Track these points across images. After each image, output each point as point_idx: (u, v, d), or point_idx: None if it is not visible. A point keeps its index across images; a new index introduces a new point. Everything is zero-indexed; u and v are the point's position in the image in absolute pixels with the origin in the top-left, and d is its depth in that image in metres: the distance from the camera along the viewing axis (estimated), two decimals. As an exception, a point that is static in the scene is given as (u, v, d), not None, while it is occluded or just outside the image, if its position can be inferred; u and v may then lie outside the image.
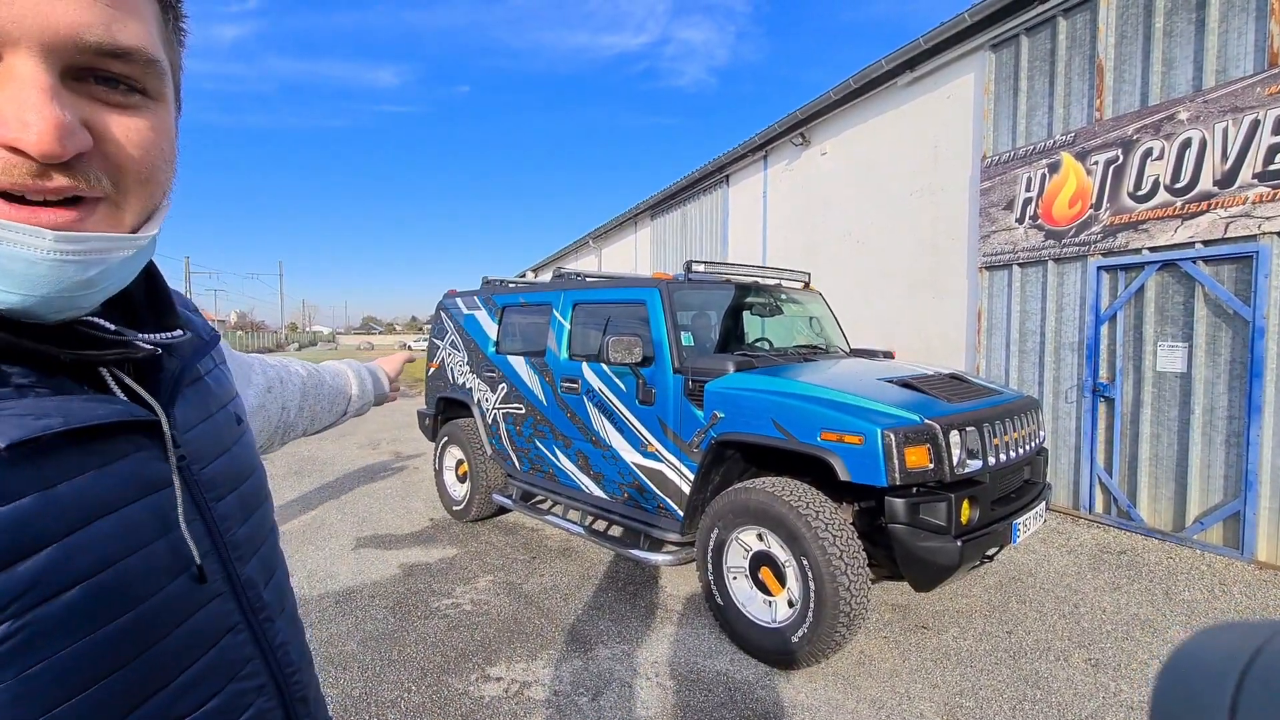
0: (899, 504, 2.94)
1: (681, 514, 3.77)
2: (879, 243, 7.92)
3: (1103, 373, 5.41)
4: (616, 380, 4.14)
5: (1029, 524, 3.36)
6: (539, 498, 5.30)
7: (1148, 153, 4.97)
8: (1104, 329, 5.38)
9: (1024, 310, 6.05)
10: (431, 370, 6.25)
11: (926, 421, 2.99)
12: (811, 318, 5.10)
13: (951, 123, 6.84)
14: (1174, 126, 4.80)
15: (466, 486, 5.54)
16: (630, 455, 4.11)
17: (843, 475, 2.98)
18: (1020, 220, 5.98)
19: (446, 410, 6.06)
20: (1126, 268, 5.22)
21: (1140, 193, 5.04)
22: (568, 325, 4.64)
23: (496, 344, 5.32)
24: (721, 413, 3.55)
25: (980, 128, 6.44)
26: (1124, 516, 5.23)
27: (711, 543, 3.44)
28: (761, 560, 3.29)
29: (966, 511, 3.02)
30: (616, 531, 4.54)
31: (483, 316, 5.54)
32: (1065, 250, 5.59)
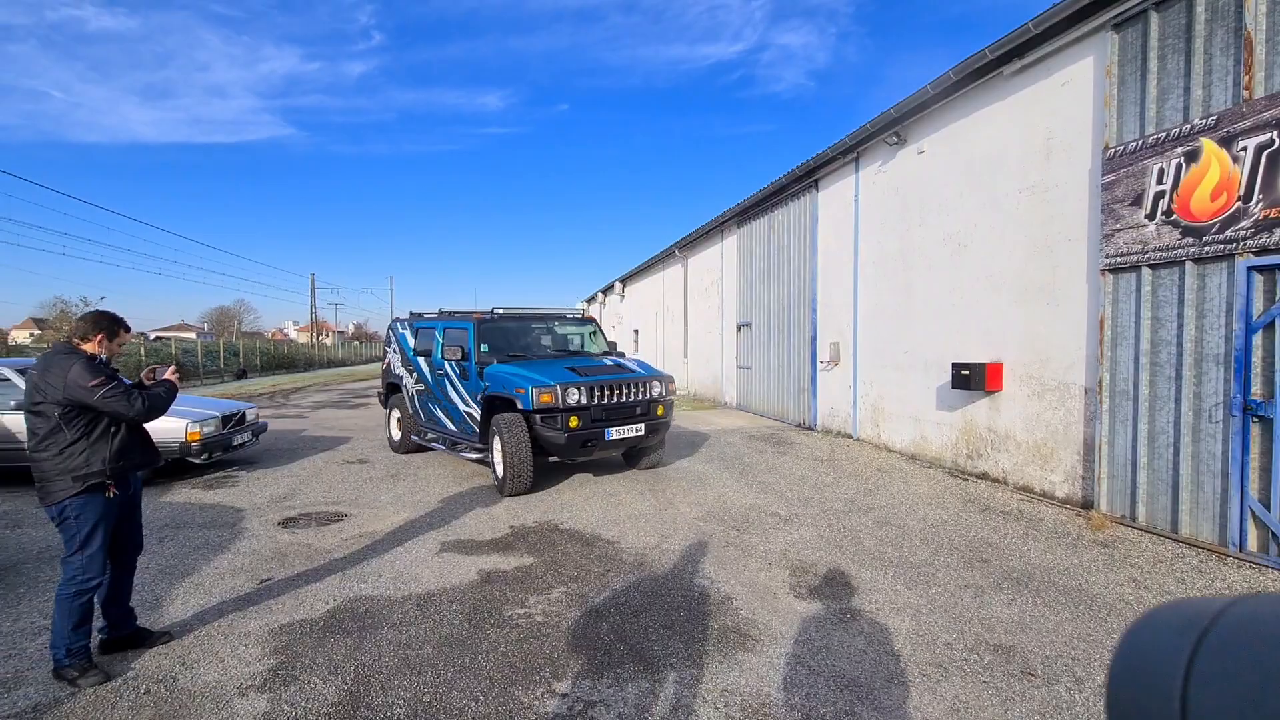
0: (536, 417, 6.59)
1: (479, 433, 7.38)
2: (983, 246, 7.34)
3: (1256, 388, 4.68)
4: (457, 369, 7.85)
5: (620, 431, 6.91)
6: (431, 436, 8.78)
7: (1313, 134, 4.27)
8: (1257, 338, 4.66)
9: (1156, 318, 5.36)
10: (384, 366, 10.25)
11: (554, 384, 6.59)
12: (591, 333, 8.99)
13: (1066, 112, 6.23)
14: (1348, 101, 4.10)
15: (400, 433, 9.51)
16: (462, 406, 7.83)
17: (520, 406, 6.66)
18: (1151, 217, 5.32)
19: (390, 390, 9.93)
20: (1287, 267, 4.49)
21: (1304, 180, 4.33)
22: (441, 340, 8.33)
23: (413, 350, 9.07)
24: (488, 383, 7.21)
25: (1101, 116, 5.81)
26: (1286, 557, 4.48)
27: (490, 443, 7.03)
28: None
29: (574, 422, 6.60)
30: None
31: (408, 334, 9.37)
32: (1207, 249, 4.91)
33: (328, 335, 73.79)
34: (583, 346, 8.66)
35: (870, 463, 8.36)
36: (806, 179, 11.36)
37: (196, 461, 7.59)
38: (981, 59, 6.81)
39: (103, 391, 3.10)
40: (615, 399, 6.93)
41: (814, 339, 11.26)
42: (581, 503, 6.52)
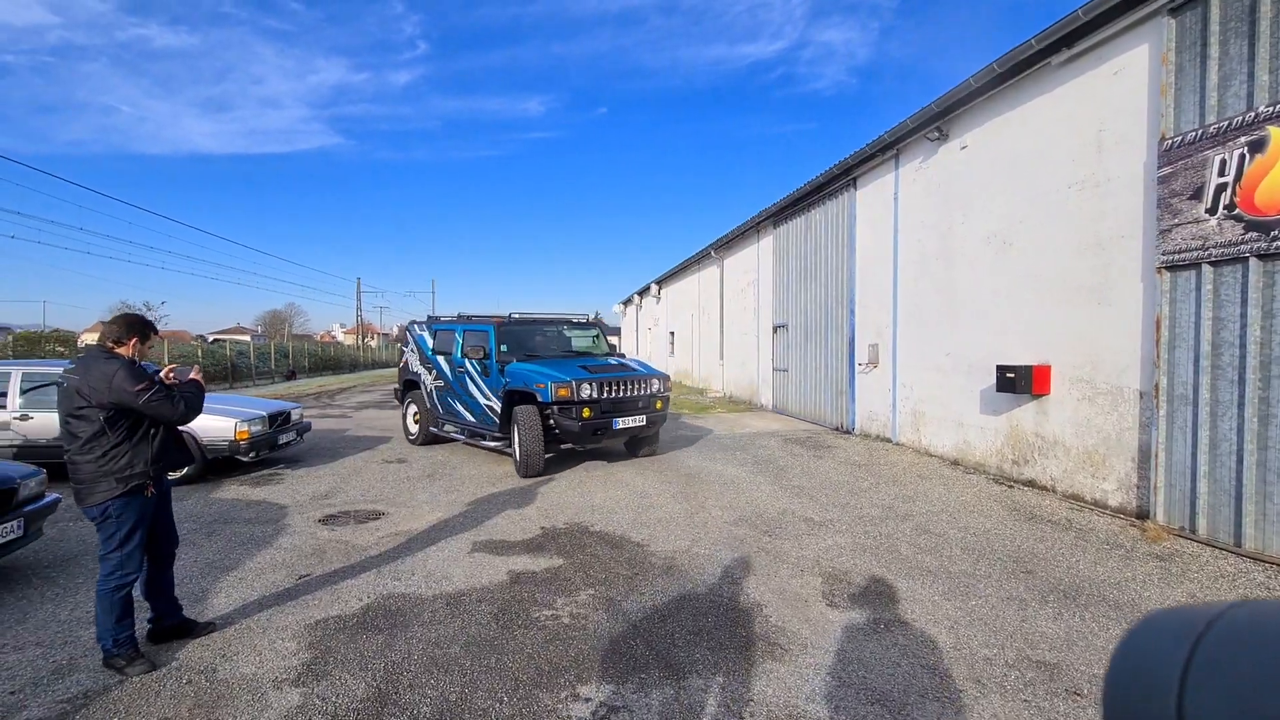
0: (555, 408, 7.56)
1: (499, 423, 8.33)
2: (1029, 244, 7.06)
3: (1331, 394, 4.36)
4: (479, 366, 8.76)
5: (625, 421, 7.96)
6: (450, 428, 9.86)
7: (1395, 119, 3.96)
8: (1333, 340, 4.35)
9: (1218, 318, 5.06)
10: (401, 365, 11.12)
11: (570, 380, 7.52)
12: (595, 335, 10.05)
13: (1118, 103, 5.94)
14: None
15: (417, 425, 10.37)
16: (483, 400, 8.72)
17: (539, 399, 7.57)
18: (1212, 211, 5.02)
19: (407, 387, 10.77)
20: (1365, 264, 4.18)
21: (1384, 169, 4.02)
22: (461, 341, 9.19)
23: (432, 350, 9.95)
24: (509, 379, 8.11)
25: (1156, 106, 5.53)
26: (1366, 575, 4.16)
27: (510, 432, 7.98)
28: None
29: (587, 413, 7.55)
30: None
31: (426, 335, 10.23)
32: (1275, 245, 4.60)
33: (373, 337, 75.89)
34: (589, 347, 9.80)
35: (910, 468, 8.13)
36: (844, 177, 11.14)
37: (244, 459, 7.87)
38: (1027, 50, 6.56)
39: (148, 395, 3.21)
40: (621, 394, 8.08)
41: (852, 340, 11.03)
42: (613, 505, 6.52)
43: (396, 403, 12.08)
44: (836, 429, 11.52)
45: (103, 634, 3.26)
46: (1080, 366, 6.39)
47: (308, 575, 4.67)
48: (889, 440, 9.94)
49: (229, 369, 25.64)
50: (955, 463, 8.28)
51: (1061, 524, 5.70)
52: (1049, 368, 6.74)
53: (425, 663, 3.35)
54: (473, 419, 9.04)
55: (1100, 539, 5.29)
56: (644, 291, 33.14)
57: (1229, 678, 0.38)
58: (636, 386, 8.25)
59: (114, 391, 3.16)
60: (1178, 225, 5.28)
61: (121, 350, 3.36)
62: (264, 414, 8.19)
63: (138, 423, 3.30)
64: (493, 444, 8.74)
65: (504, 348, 8.67)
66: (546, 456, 7.88)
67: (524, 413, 7.72)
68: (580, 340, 9.74)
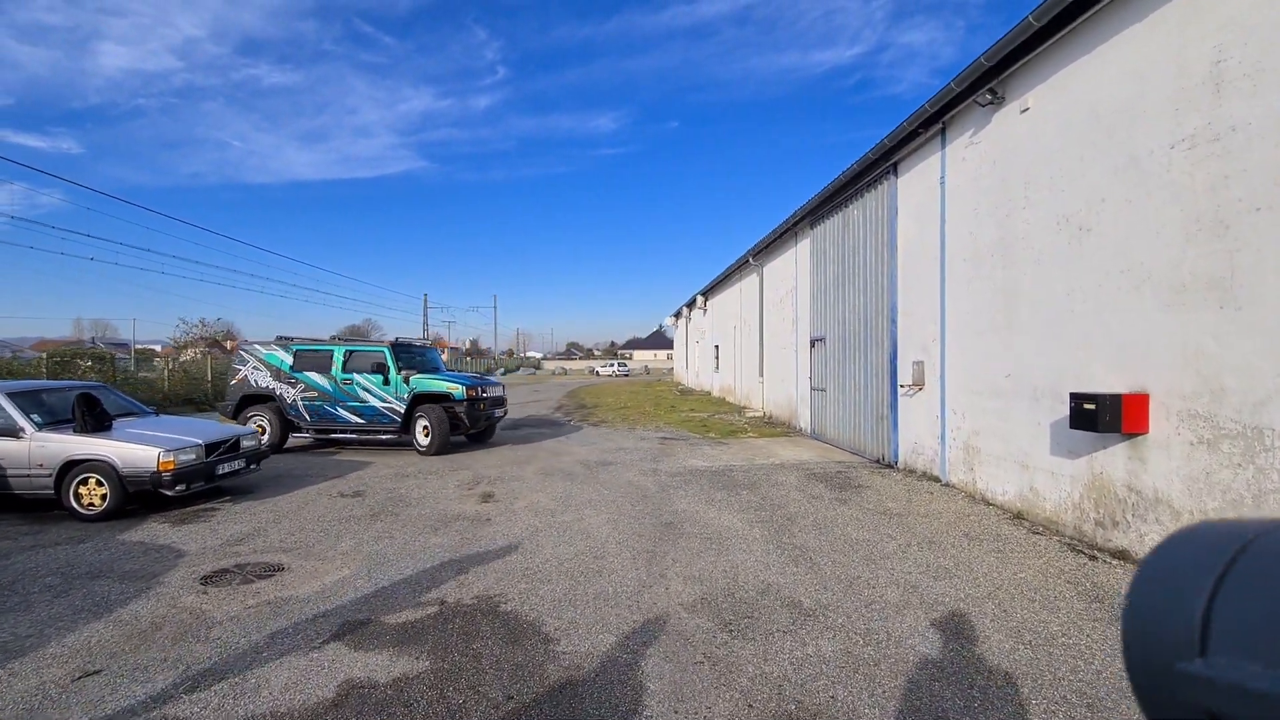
0: (464, 404, 11.31)
1: (400, 422, 11.27)
2: (1115, 227, 5.24)
3: None
4: (374, 378, 11.36)
5: (499, 412, 12.66)
6: (324, 430, 11.65)
7: None
8: None
9: None
10: (234, 382, 11.78)
11: (474, 385, 11.71)
12: (441, 356, 13.80)
13: (1247, 18, 4.14)
14: None
15: (265, 436, 11.15)
16: (380, 404, 11.32)
17: (453, 398, 11.30)
18: None
19: (247, 402, 11.69)
20: None
21: None
22: (341, 358, 11.57)
23: (292, 367, 11.56)
24: (414, 386, 11.29)
25: (1311, 11, 3.72)
26: None
27: (413, 425, 11.26)
28: (426, 425, 11.17)
29: (482, 406, 11.73)
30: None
31: (280, 354, 11.74)
32: None
33: (444, 350, 77.43)
34: (441, 364, 13.35)
35: (957, 522, 6.33)
36: (883, 163, 9.42)
37: (169, 494, 6.98)
38: (1107, -37, 4.83)
39: None
40: (493, 394, 12.10)
41: (894, 357, 9.23)
42: (552, 568, 5.15)
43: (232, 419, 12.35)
44: (877, 461, 9.70)
45: None
46: (1193, 396, 4.54)
47: (98, 673, 3.56)
48: (937, 479, 8.09)
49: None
50: (1019, 516, 6.41)
51: (1168, 630, 3.88)
52: (1145, 397, 4.89)
53: None
54: (361, 420, 11.41)
55: (1232, 663, 3.47)
56: (691, 304, 31.71)
57: (1267, 590, 0.35)
58: (497, 390, 12.42)
59: None
60: (1353, 185, 3.46)
61: None
62: (199, 442, 7.32)
63: None
64: (387, 437, 11.53)
65: (400, 363, 11.40)
66: (454, 439, 11.49)
67: (434, 410, 10.93)
68: (434, 360, 13.01)
